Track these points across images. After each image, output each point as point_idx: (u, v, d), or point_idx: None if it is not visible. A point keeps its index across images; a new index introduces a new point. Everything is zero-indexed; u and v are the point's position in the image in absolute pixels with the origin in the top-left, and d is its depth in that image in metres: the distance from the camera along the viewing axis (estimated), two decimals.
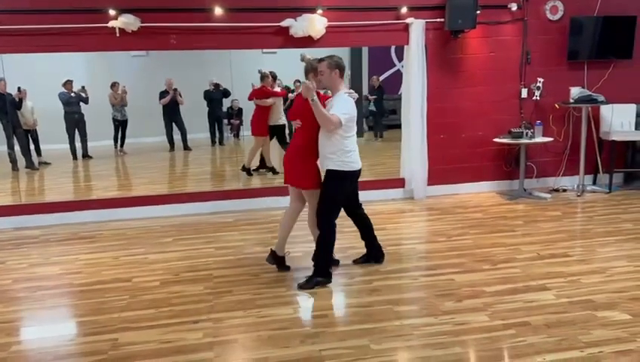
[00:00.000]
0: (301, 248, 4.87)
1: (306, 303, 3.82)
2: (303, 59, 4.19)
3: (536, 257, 4.57)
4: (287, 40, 6.22)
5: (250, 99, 8.60)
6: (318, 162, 4.17)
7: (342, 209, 4.27)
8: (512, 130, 6.58)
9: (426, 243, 5.16)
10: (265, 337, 3.29)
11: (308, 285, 4.05)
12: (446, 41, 6.60)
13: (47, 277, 4.48)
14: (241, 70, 9.40)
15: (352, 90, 4.17)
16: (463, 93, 6.75)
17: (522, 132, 6.52)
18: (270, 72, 8.52)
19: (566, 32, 6.77)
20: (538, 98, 6.80)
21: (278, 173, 7.90)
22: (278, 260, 4.41)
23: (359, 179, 4.35)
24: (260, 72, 8.19)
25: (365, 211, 4.52)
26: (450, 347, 3.10)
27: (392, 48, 13.73)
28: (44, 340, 3.37)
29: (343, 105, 3.94)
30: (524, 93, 6.85)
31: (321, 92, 4.18)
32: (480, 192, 6.92)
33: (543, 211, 6.05)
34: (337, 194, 4.11)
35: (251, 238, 5.35)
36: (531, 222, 5.66)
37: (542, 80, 6.73)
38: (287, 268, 4.42)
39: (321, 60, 4.01)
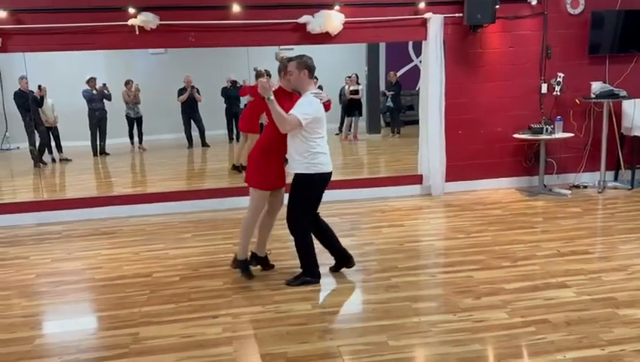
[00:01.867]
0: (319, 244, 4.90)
1: (324, 299, 3.84)
2: (277, 58, 4.18)
3: (556, 254, 4.52)
4: (304, 36, 6.22)
5: (241, 95, 8.58)
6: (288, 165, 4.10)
7: None
8: (532, 125, 6.51)
9: (445, 240, 5.13)
10: (283, 332, 3.31)
11: (295, 282, 4.06)
12: (464, 36, 6.54)
13: (69, 272, 4.56)
14: (258, 67, 9.43)
15: (320, 91, 4.08)
16: (481, 88, 6.69)
17: (542, 128, 6.44)
18: (265, 70, 8.45)
19: (587, 26, 6.66)
20: (558, 93, 6.70)
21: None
22: (260, 261, 4.37)
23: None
24: (255, 69, 8.12)
25: (322, 218, 4.34)
26: (469, 344, 3.09)
27: (410, 44, 13.66)
28: (67, 334, 3.43)
29: (305, 106, 3.84)
30: (544, 88, 6.76)
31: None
32: (499, 189, 6.86)
33: (563, 208, 5.98)
34: (306, 198, 4.01)
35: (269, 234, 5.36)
36: (551, 218, 5.59)
37: (562, 75, 6.63)
38: (272, 267, 4.42)
39: (290, 60, 3.97)
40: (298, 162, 3.91)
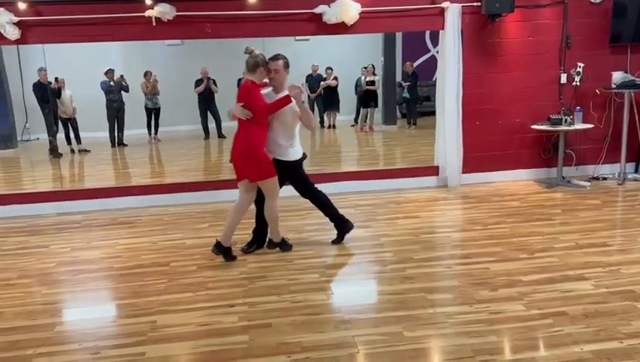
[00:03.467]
0: (334, 235, 4.92)
1: (339, 289, 3.85)
2: (250, 53, 4.24)
3: (574, 246, 4.47)
4: (320, 27, 6.20)
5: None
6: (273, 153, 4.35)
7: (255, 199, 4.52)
8: (551, 116, 6.41)
9: (461, 232, 5.10)
10: (299, 322, 3.33)
11: (339, 239, 4.73)
12: (483, 26, 6.46)
13: (88, 260, 4.64)
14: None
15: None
16: (499, 78, 6.61)
17: (561, 118, 6.34)
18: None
19: (608, 15, 6.54)
20: (578, 83, 6.60)
21: None
22: (223, 250, 4.45)
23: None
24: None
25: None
26: (485, 335, 3.07)
27: (427, 33, 13.55)
28: (87, 321, 3.49)
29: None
30: (564, 78, 6.66)
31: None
32: (517, 180, 6.79)
33: (582, 200, 5.90)
34: (303, 175, 4.59)
35: (283, 225, 5.36)
36: (570, 210, 5.52)
37: (582, 65, 6.52)
38: (234, 258, 4.46)
39: (276, 58, 4.28)
40: (288, 150, 4.38)
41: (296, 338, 3.13)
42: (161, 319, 3.45)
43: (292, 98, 4.19)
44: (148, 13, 5.89)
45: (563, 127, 6.33)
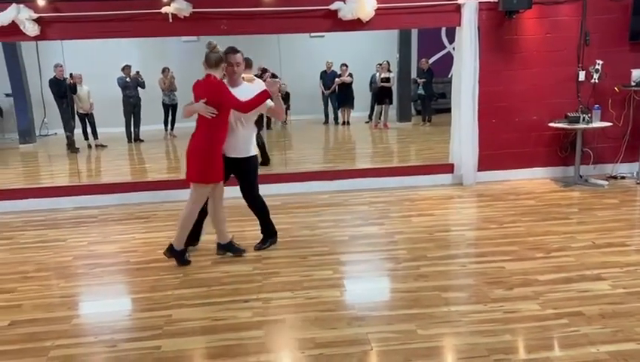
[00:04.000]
0: (348, 232, 4.92)
1: (352, 286, 3.84)
2: (213, 48, 4.07)
3: (591, 246, 4.42)
4: (335, 23, 6.18)
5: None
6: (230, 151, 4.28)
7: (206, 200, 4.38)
8: (569, 114, 6.34)
9: (476, 230, 5.07)
10: (312, 318, 3.34)
11: (265, 245, 4.62)
12: (500, 22, 6.40)
13: (105, 254, 4.69)
14: (289, 54, 9.43)
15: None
16: (516, 75, 6.54)
17: (579, 116, 6.27)
18: (245, 59, 8.24)
19: (628, 11, 6.44)
20: (597, 81, 6.50)
21: None
22: (227, 247, 4.49)
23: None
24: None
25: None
26: (500, 334, 3.06)
27: (443, 30, 13.46)
28: (103, 315, 3.54)
29: None
30: (582, 75, 6.57)
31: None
32: (533, 179, 6.73)
33: (600, 199, 5.83)
34: (257, 175, 4.53)
35: (298, 221, 5.41)
36: (587, 209, 5.46)
37: (601, 62, 6.43)
38: (244, 251, 4.52)
39: (236, 51, 4.18)
40: (249, 146, 4.35)
41: (310, 334, 3.14)
42: (177, 313, 3.48)
43: (272, 94, 4.12)
44: (165, 9, 5.92)
45: (581, 125, 6.26)
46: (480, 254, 4.39)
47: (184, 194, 6.32)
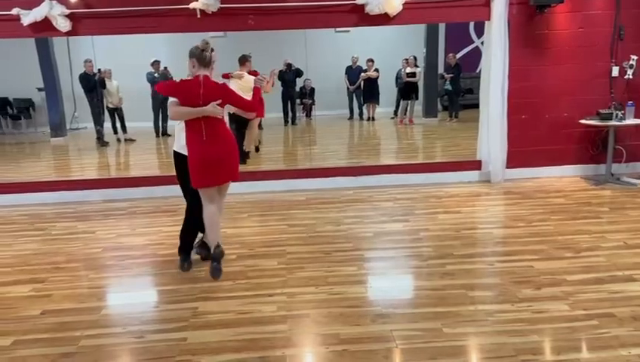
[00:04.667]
0: (372, 228, 4.90)
1: (377, 283, 3.83)
2: (206, 47, 3.84)
3: (623, 246, 4.31)
4: (362, 18, 6.14)
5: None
6: None
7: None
8: (601, 111, 6.19)
9: (504, 228, 4.99)
10: (336, 314, 3.33)
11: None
12: (530, 17, 6.27)
13: (133, 246, 4.77)
14: (315, 49, 9.42)
15: None
16: (547, 71, 6.41)
17: (612, 113, 6.11)
18: (243, 56, 8.26)
19: None
20: (631, 77, 6.32)
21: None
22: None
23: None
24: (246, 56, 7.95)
25: None
26: (527, 335, 3.01)
27: (471, 24, 13.28)
28: (131, 306, 3.60)
29: None
30: (615, 71, 6.40)
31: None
32: (563, 176, 6.59)
33: (632, 198, 5.68)
34: None
35: (323, 217, 5.41)
36: (618, 208, 5.32)
37: (635, 57, 6.25)
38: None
39: (212, 49, 3.92)
40: None
41: (334, 330, 3.14)
42: (203, 306, 3.52)
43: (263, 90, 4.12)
44: (192, 5, 5.97)
45: (613, 122, 6.10)
46: (507, 253, 4.32)
47: None
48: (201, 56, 3.81)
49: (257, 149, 8.71)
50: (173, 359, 2.90)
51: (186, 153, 3.94)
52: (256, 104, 4.09)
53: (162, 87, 4.03)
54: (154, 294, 3.84)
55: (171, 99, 3.83)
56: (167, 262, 4.33)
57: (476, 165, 6.67)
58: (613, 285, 3.59)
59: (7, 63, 12.10)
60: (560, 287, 3.58)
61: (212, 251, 4.02)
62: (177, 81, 4.02)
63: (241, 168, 7.67)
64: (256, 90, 4.13)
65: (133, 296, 3.78)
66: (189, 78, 3.88)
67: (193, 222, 4.23)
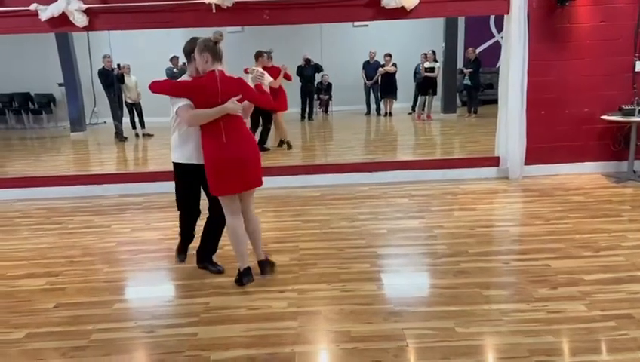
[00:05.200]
0: (387, 225, 4.86)
1: (389, 281, 3.78)
2: (220, 41, 3.55)
3: None
4: (378, 12, 6.07)
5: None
6: None
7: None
8: (623, 106, 6.04)
9: (520, 226, 4.90)
10: (347, 311, 3.30)
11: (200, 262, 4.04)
12: (551, 10, 6.13)
13: (147, 241, 4.79)
14: (331, 44, 9.36)
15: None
16: (568, 66, 6.27)
17: (635, 109, 5.96)
18: (266, 52, 8.31)
19: None
20: None
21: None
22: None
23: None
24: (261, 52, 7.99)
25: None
26: (543, 335, 2.94)
27: (492, 18, 13.07)
28: (143, 300, 3.62)
29: None
30: (639, 66, 6.23)
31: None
32: (583, 173, 6.45)
33: None
34: None
35: (337, 213, 5.37)
36: None
37: None
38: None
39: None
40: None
41: (345, 327, 3.11)
42: (214, 301, 3.52)
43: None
44: (208, 0, 5.96)
45: (636, 118, 5.94)
46: (524, 251, 4.24)
47: None
48: (215, 50, 3.48)
49: (289, 146, 8.65)
50: (182, 354, 2.90)
51: (192, 162, 3.66)
52: (272, 100, 3.94)
53: (166, 86, 3.60)
54: (166, 289, 3.84)
55: (182, 104, 3.46)
56: None
57: (494, 161, 6.56)
58: (633, 285, 3.50)
59: (29, 59, 12.31)
60: (577, 287, 3.50)
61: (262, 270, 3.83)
62: (186, 80, 3.66)
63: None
64: (258, 87, 3.78)
65: (145, 291, 3.81)
66: (199, 76, 3.56)
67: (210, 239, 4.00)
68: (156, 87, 3.59)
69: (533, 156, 6.40)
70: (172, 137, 3.79)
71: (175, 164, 3.81)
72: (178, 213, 4.10)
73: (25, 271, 4.15)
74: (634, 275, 3.66)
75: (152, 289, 3.83)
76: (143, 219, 5.46)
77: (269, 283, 3.74)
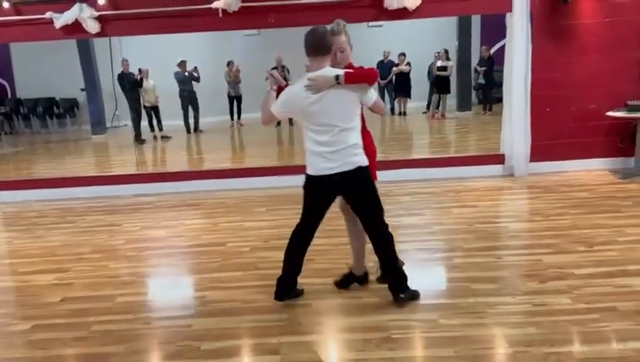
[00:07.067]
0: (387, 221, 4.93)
1: (378, 275, 3.86)
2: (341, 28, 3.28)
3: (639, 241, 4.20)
4: (381, 12, 6.17)
5: None
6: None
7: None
8: (629, 102, 5.99)
9: (519, 222, 4.93)
10: (337, 304, 3.41)
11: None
12: (554, 7, 6.13)
13: (154, 239, 4.98)
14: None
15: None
16: (572, 62, 6.25)
17: None
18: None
19: None
20: None
21: None
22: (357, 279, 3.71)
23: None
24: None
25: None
26: (524, 327, 3.00)
27: (507, 16, 12.98)
28: (144, 294, 3.81)
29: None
30: None
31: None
32: (590, 170, 6.42)
33: None
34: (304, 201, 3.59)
35: (338, 211, 5.44)
36: None
37: None
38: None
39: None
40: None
41: (333, 319, 3.23)
42: (211, 295, 3.66)
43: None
44: (215, 4, 6.14)
45: None
46: (519, 246, 4.29)
47: (234, 183, 6.63)
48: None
49: None
50: (175, 344, 3.04)
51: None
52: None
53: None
54: (167, 283, 4.02)
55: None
56: (183, 254, 4.53)
57: (499, 159, 6.58)
58: (622, 279, 3.52)
59: (55, 65, 12.75)
60: (565, 281, 3.54)
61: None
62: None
63: (265, 163, 7.88)
64: (280, 90, 3.50)
65: (147, 285, 3.99)
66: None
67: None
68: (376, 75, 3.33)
69: (538, 153, 6.39)
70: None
71: (309, 178, 3.40)
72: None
73: (36, 267, 4.37)
74: (625, 269, 3.67)
75: (153, 283, 4.04)
76: (153, 218, 5.66)
77: (266, 278, 3.80)
